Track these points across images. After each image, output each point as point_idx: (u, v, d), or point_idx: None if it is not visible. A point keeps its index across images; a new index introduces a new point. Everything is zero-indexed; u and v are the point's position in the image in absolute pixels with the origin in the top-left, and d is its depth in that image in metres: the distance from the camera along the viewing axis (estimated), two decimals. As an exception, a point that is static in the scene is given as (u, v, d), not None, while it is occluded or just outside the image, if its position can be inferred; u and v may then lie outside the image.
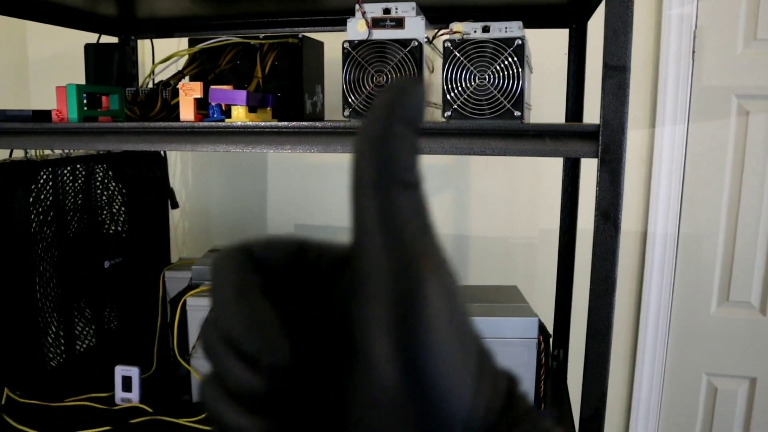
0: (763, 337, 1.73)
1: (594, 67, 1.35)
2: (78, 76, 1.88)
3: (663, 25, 1.62)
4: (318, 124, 0.93)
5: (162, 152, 1.69)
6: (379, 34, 0.94)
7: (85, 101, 1.14)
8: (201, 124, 1.00)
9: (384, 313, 0.23)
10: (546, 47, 1.46)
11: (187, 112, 1.04)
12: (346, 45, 0.93)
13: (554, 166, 1.71)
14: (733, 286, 1.73)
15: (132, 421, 1.26)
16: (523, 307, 1.02)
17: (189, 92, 1.03)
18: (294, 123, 0.94)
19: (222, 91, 1.01)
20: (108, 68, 1.57)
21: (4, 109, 1.23)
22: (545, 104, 1.52)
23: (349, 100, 0.94)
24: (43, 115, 1.22)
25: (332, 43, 1.51)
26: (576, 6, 1.28)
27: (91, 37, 1.60)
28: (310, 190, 1.93)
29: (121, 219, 1.56)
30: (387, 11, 0.94)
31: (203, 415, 1.27)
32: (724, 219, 1.71)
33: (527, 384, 0.99)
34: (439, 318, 0.23)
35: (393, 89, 0.25)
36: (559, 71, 1.45)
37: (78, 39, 1.61)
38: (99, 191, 1.48)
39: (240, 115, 1.02)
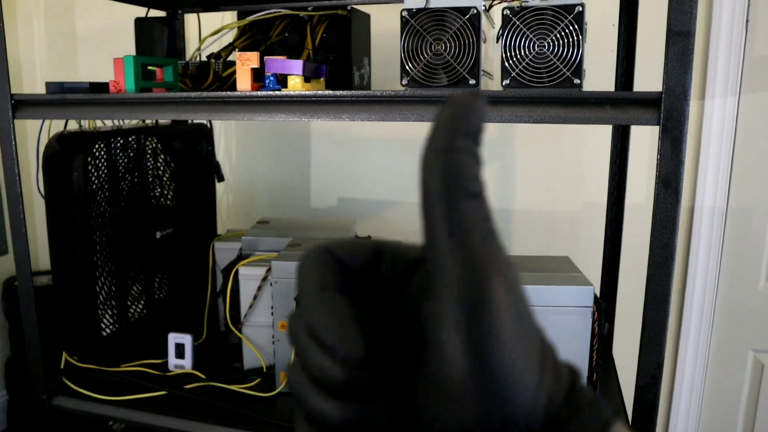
0: (812, 313, 1.71)
1: (644, 37, 1.34)
2: (124, 49, 1.91)
3: (715, -6, 1.58)
4: (377, 92, 0.94)
5: (208, 126, 1.71)
6: (437, 2, 0.94)
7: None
8: (258, 93, 1.01)
9: (454, 310, 0.24)
10: (590, 16, 1.44)
11: (244, 82, 1.05)
12: (404, 13, 0.93)
13: (600, 139, 1.70)
14: (783, 261, 1.70)
15: (186, 387, 1.29)
16: (578, 276, 1.03)
17: (246, 62, 1.04)
18: (352, 92, 0.95)
19: (279, 61, 1.02)
20: (157, 41, 1.60)
21: (61, 81, 1.27)
22: (590, 76, 1.50)
23: (407, 68, 0.94)
24: (100, 87, 1.25)
25: (377, 16, 1.51)
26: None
27: (139, 11, 1.62)
28: (352, 164, 1.94)
29: (171, 191, 1.59)
30: (445, -22, 0.93)
31: (255, 382, 1.30)
32: (775, 193, 1.68)
33: (581, 353, 0.99)
34: (504, 314, 0.24)
35: (455, 103, 0.27)
36: (605, 41, 1.43)
37: (123, 13, 1.63)
38: (149, 164, 1.51)
39: (296, 85, 1.03)
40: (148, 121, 1.60)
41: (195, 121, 1.73)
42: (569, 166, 1.80)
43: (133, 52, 2.07)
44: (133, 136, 1.47)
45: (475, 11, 0.92)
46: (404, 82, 0.95)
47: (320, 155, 1.97)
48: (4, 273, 2.36)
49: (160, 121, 1.65)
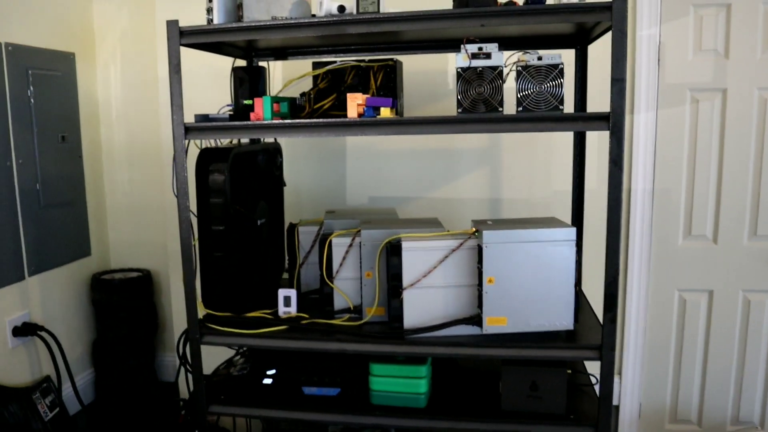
0: (716, 259, 2.42)
1: (592, 74, 2.02)
2: (198, 88, 2.50)
3: (637, 42, 2.30)
4: (442, 117, 1.57)
5: (278, 144, 2.30)
6: (476, 63, 1.58)
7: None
8: (365, 119, 1.63)
9: None
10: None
11: (352, 112, 1.67)
12: (459, 69, 1.58)
13: (562, 146, 2.38)
14: (693, 224, 2.42)
15: (302, 322, 1.87)
16: (565, 224, 1.68)
17: (354, 99, 1.66)
18: (427, 116, 1.58)
19: (376, 98, 1.65)
20: (245, 83, 2.18)
21: (206, 113, 1.85)
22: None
23: (461, 102, 1.59)
24: (238, 117, 1.84)
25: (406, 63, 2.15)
26: (580, 35, 1.94)
27: (217, 59, 2.18)
28: (380, 170, 2.57)
29: (261, 192, 2.17)
30: (480, 48, 1.58)
31: (346, 317, 1.89)
32: (685, 177, 2.40)
33: (569, 269, 1.63)
34: None
35: None
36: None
37: (196, 59, 2.19)
38: (251, 171, 2.09)
39: (386, 112, 1.66)
40: (233, 141, 2.17)
41: (266, 140, 2.33)
42: (541, 166, 2.48)
43: (203, 91, 2.65)
44: (240, 152, 2.04)
45: (501, 68, 1.57)
46: (459, 110, 1.59)
47: (353, 164, 2.59)
48: (90, 271, 2.87)
49: (242, 141, 2.23)
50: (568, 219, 2.18)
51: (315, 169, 2.64)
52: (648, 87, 2.33)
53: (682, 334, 2.50)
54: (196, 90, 2.66)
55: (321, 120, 1.65)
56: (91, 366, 2.88)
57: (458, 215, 2.51)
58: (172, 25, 1.70)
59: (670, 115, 2.36)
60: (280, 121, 1.72)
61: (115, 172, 2.98)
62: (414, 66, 2.41)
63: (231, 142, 2.15)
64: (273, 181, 2.26)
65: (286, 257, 2.24)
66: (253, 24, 1.66)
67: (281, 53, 2.27)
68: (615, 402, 2.57)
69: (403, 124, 1.62)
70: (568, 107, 2.11)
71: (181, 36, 1.71)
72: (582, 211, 2.13)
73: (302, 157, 2.64)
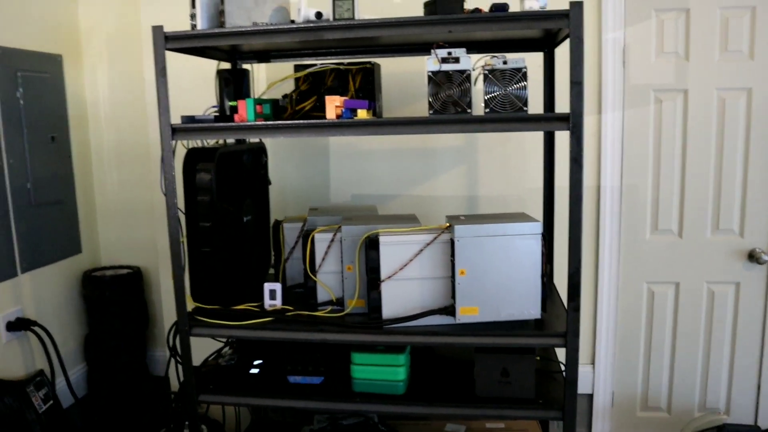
0: (681, 253, 2.54)
1: (559, 76, 2.13)
2: (183, 90, 2.59)
3: (602, 45, 2.42)
4: (414, 117, 1.68)
5: (264, 144, 2.40)
6: (446, 67, 1.68)
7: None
8: (343, 120, 1.73)
9: None
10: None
11: (330, 113, 1.76)
12: (429, 73, 1.68)
13: (535, 145, 2.49)
14: (660, 219, 2.54)
15: (286, 314, 1.97)
16: (531, 218, 1.79)
17: (332, 101, 1.76)
18: (402, 117, 1.68)
19: (353, 101, 1.75)
20: (230, 85, 2.27)
21: (192, 115, 1.94)
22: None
23: (432, 105, 1.69)
24: (220, 119, 1.93)
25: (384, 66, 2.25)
26: (547, 39, 2.05)
27: (203, 62, 2.27)
28: (362, 169, 2.66)
29: (247, 189, 2.26)
30: (449, 53, 1.69)
31: (329, 309, 1.99)
32: (651, 173, 2.52)
33: (535, 263, 1.74)
34: None
35: None
36: (535, 77, 2.22)
37: (183, 62, 2.28)
38: (236, 170, 2.18)
39: (362, 114, 1.76)
40: (220, 141, 2.26)
41: (252, 140, 2.42)
42: (515, 164, 2.59)
43: (187, 94, 2.73)
44: (225, 151, 2.13)
45: (469, 71, 1.67)
46: (431, 112, 1.69)
47: (336, 163, 2.69)
48: (81, 268, 2.94)
49: (227, 141, 2.32)
50: (540, 215, 2.29)
51: (300, 168, 2.73)
52: (614, 88, 2.44)
53: (651, 324, 2.62)
54: (182, 92, 2.75)
55: (301, 122, 1.75)
56: (84, 361, 2.96)
57: (436, 212, 2.61)
58: (157, 30, 1.79)
59: (636, 114, 2.48)
60: (263, 122, 1.81)
61: (105, 172, 3.06)
62: (393, 68, 2.51)
63: (217, 142, 2.24)
64: (258, 180, 2.35)
65: (273, 253, 2.33)
66: (235, 30, 1.75)
67: (264, 56, 2.36)
68: (588, 391, 2.69)
69: (377, 125, 1.72)
70: (538, 108, 2.23)
71: (166, 41, 1.80)
72: (552, 207, 2.25)
73: (288, 157, 2.73)
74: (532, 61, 2.22)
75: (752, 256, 2.49)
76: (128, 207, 3.05)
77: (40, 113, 2.71)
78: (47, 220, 2.75)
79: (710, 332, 2.58)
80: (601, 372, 2.66)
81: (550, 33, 1.90)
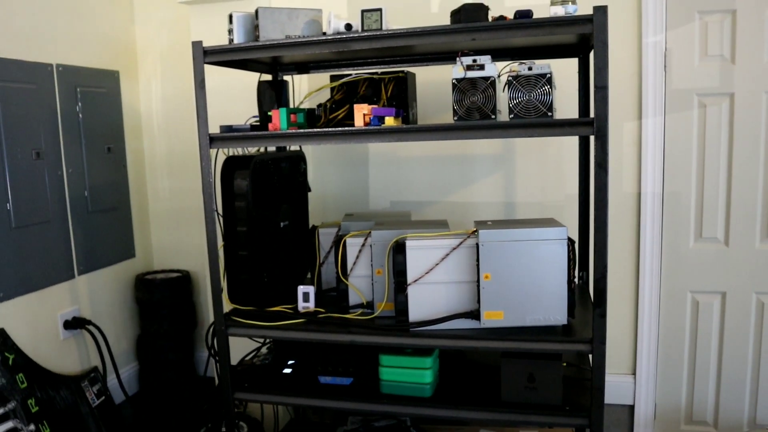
0: (728, 262, 2.46)
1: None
2: (231, 101, 2.70)
3: (643, 49, 2.38)
4: (441, 124, 1.70)
5: (302, 152, 2.47)
6: (471, 74, 1.71)
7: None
8: (370, 127, 1.77)
9: None
10: (565, 71, 2.22)
11: (359, 121, 1.81)
12: (454, 80, 1.71)
13: (570, 152, 2.47)
14: (704, 227, 2.46)
15: (318, 316, 2.02)
16: (558, 223, 1.78)
17: (360, 109, 1.81)
18: (427, 124, 1.71)
19: (380, 108, 1.79)
20: (269, 95, 2.36)
21: (230, 125, 2.03)
22: (565, 107, 2.28)
23: (457, 111, 1.71)
24: (256, 128, 2.01)
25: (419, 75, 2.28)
26: (582, 45, 2.04)
27: (242, 75, 2.37)
28: (401, 176, 2.71)
29: (285, 196, 2.34)
30: (474, 60, 1.71)
31: (359, 312, 2.03)
32: (695, 180, 2.45)
33: (562, 269, 1.73)
34: None
35: None
36: (573, 82, 2.20)
37: (227, 77, 2.39)
38: (274, 177, 2.26)
39: (390, 121, 1.80)
40: (260, 150, 2.35)
41: (292, 148, 2.50)
42: (553, 171, 2.57)
43: (231, 104, 2.85)
44: (261, 159, 2.22)
45: (493, 78, 1.69)
46: (455, 118, 1.72)
47: (375, 171, 2.74)
48: (134, 271, 3.10)
49: (269, 149, 2.40)
50: (576, 221, 2.26)
51: (340, 176, 2.80)
52: (655, 92, 2.39)
53: (696, 335, 2.54)
54: (229, 103, 2.87)
55: (329, 129, 1.81)
56: (135, 359, 3.11)
57: (472, 218, 2.62)
58: (196, 45, 1.89)
59: (678, 119, 2.42)
60: (294, 130, 1.88)
61: (157, 180, 3.21)
62: (432, 77, 2.54)
63: (258, 150, 2.33)
64: (297, 187, 2.42)
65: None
66: (268, 43, 1.83)
67: (303, 67, 2.44)
68: (629, 402, 2.63)
69: (403, 132, 1.76)
70: (573, 113, 2.21)
71: (205, 55, 1.89)
72: (588, 213, 2.22)
73: (328, 164, 2.80)
74: (568, 67, 2.21)
75: (805, 266, 2.38)
76: (179, 213, 3.19)
77: (97, 125, 2.88)
78: (103, 226, 2.91)
79: (760, 344, 2.47)
80: (642, 382, 2.59)
81: (584, 38, 1.90)
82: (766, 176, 2.38)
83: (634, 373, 2.61)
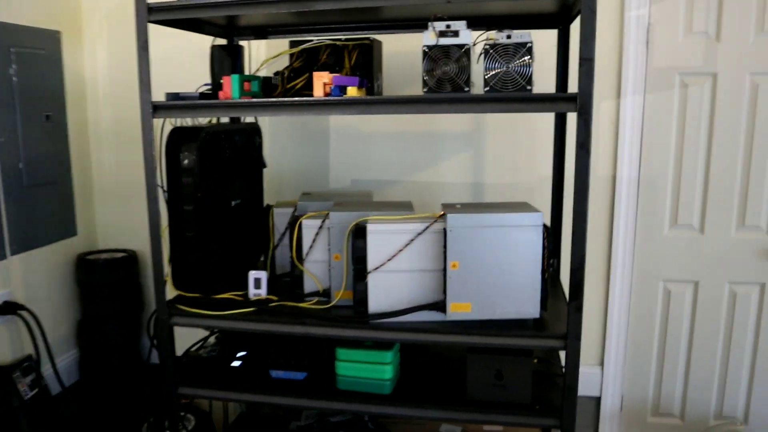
0: (702, 250, 2.36)
1: (574, 55, 1.97)
2: (179, 66, 2.49)
3: (624, 22, 2.24)
4: (407, 96, 1.53)
5: (257, 124, 2.28)
6: (444, 41, 1.54)
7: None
8: (331, 98, 1.59)
9: None
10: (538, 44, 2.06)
11: (318, 91, 1.63)
12: (425, 48, 1.53)
13: (544, 131, 2.33)
14: (680, 213, 2.36)
15: (270, 305, 1.85)
16: (533, 208, 1.64)
17: (320, 78, 1.62)
18: (395, 96, 1.54)
19: (342, 77, 1.61)
20: (224, 62, 2.15)
21: (177, 92, 1.83)
22: (541, 80, 2.13)
23: (427, 82, 1.54)
24: (205, 96, 1.81)
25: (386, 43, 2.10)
26: (562, 15, 1.89)
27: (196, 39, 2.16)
28: (363, 153, 2.53)
29: (237, 172, 2.15)
30: (448, 26, 1.54)
31: (315, 300, 1.87)
32: (672, 164, 2.34)
33: (536, 257, 1.59)
34: None
35: None
36: (550, 56, 2.05)
37: (179, 40, 2.18)
38: (226, 151, 2.07)
39: (352, 92, 1.62)
40: (213, 120, 2.15)
41: (247, 119, 2.30)
42: (525, 151, 2.43)
43: (184, 71, 2.63)
44: (212, 131, 2.02)
45: (468, 46, 1.52)
46: (425, 90, 1.55)
47: (336, 146, 2.56)
48: (76, 250, 2.87)
49: (221, 120, 2.20)
50: (548, 205, 2.13)
51: (298, 151, 2.61)
52: (636, 70, 2.26)
53: (667, 325, 2.45)
54: (181, 69, 2.64)
55: (285, 99, 1.62)
56: (76, 346, 2.89)
57: (439, 199, 2.47)
58: (139, 1, 1.67)
59: (658, 99, 2.30)
60: (246, 100, 1.69)
61: (102, 152, 2.97)
62: (397, 47, 2.37)
63: (210, 122, 2.13)
64: (251, 162, 2.23)
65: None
66: (221, 1, 1.63)
67: (261, 32, 2.24)
68: (596, 393, 2.54)
69: (367, 103, 1.58)
70: (550, 88, 2.07)
71: (150, 12, 1.68)
72: (562, 197, 2.09)
73: (286, 138, 2.61)
74: (546, 39, 2.06)
75: (780, 256, 2.30)
76: (127, 188, 2.96)
77: (34, 91, 2.62)
78: (40, 202, 2.67)
79: (730, 336, 2.40)
80: (610, 374, 2.50)
81: (565, 6, 1.74)
82: (744, 162, 2.28)
83: (601, 365, 2.51)
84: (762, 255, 2.32)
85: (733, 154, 2.28)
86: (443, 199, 2.48)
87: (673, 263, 2.40)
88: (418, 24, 2.02)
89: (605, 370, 2.50)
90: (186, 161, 1.85)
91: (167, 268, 1.96)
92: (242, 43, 2.27)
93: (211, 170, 1.93)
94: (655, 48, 2.26)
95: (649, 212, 2.38)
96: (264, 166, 2.35)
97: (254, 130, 2.24)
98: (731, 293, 2.37)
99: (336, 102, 1.60)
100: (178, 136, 1.87)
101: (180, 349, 2.02)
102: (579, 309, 1.55)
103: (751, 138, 2.25)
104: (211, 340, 2.15)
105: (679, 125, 2.31)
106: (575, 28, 1.94)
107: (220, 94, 1.75)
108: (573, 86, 2.02)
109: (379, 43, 2.02)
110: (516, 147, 2.43)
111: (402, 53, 2.40)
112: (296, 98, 1.62)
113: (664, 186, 2.35)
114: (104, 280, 2.76)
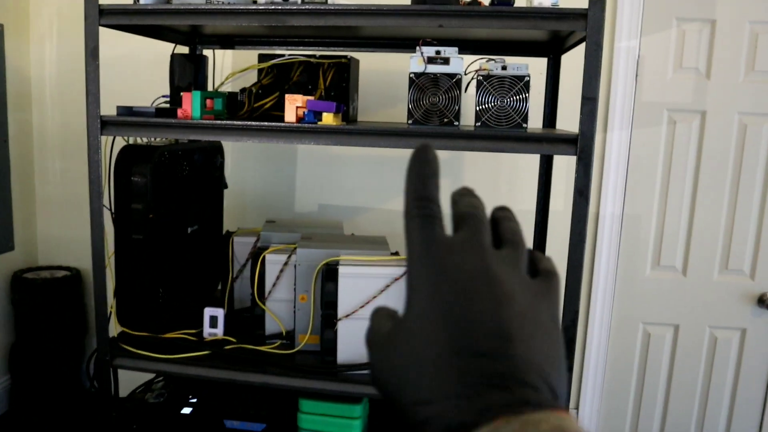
0: (684, 293, 2.27)
1: (563, 86, 1.85)
2: (136, 74, 2.29)
3: (614, 55, 2.13)
4: (389, 127, 1.38)
5: (220, 143, 2.09)
6: (433, 69, 1.39)
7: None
8: (304, 125, 1.42)
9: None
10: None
11: (290, 115, 1.46)
12: (412, 75, 1.38)
13: (528, 161, 2.21)
14: (663, 254, 2.26)
15: (225, 348, 1.67)
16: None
17: (293, 101, 1.45)
18: (374, 126, 1.38)
19: (318, 102, 1.45)
20: (186, 73, 1.96)
21: (130, 105, 1.63)
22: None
23: (412, 113, 1.39)
24: (163, 112, 1.62)
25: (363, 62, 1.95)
26: (554, 44, 1.76)
27: (153, 44, 1.96)
28: (332, 177, 2.36)
29: (195, 196, 1.96)
30: (438, 53, 1.39)
31: (277, 344, 1.69)
32: (657, 203, 2.24)
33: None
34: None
35: (417, 159, 0.40)
36: (534, 85, 1.93)
37: (133, 44, 1.99)
38: (183, 172, 1.88)
39: (329, 119, 1.46)
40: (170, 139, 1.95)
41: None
42: (505, 181, 2.30)
43: (143, 79, 2.42)
44: (168, 150, 1.83)
45: (460, 76, 1.38)
46: (409, 121, 1.40)
47: (304, 168, 2.38)
48: (11, 267, 2.61)
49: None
50: (530, 241, 2.00)
51: (263, 171, 2.42)
52: (624, 104, 2.16)
53: (645, 368, 2.35)
54: (141, 78, 2.43)
55: (253, 123, 1.45)
56: (7, 372, 2.63)
57: (414, 231, 2.31)
58: (90, 2, 1.48)
59: (645, 135, 2.20)
60: (208, 120, 1.50)
61: (47, 160, 2.72)
62: (375, 65, 2.21)
63: (166, 138, 1.93)
64: (211, 183, 2.04)
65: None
66: (183, 7, 1.45)
67: (227, 41, 2.05)
68: (570, 437, 2.41)
69: (345, 133, 1.42)
70: (536, 122, 1.94)
71: (101, 15, 1.49)
72: (545, 235, 1.96)
73: (249, 157, 2.42)
74: (533, 67, 1.93)
75: (762, 301, 2.23)
76: (73, 201, 2.71)
77: (-30, 89, 2.37)
78: (-28, 212, 2.42)
79: (709, 382, 2.31)
80: (585, 418, 2.39)
81: (558, 36, 1.61)
82: (730, 204, 2.20)
83: (577, 407, 2.39)
84: (744, 299, 2.24)
85: (719, 195, 2.19)
86: (417, 229, 2.32)
87: (654, 305, 2.30)
88: (400, 44, 1.87)
89: (581, 412, 2.38)
90: (137, 185, 1.65)
91: (111, 302, 1.75)
92: (206, 52, 2.08)
93: (166, 194, 1.74)
94: (644, 82, 2.16)
95: (631, 252, 2.28)
96: (225, 187, 2.16)
97: (216, 149, 2.05)
98: (711, 338, 2.29)
99: (310, 130, 1.43)
100: (129, 155, 1.67)
101: (125, 385, 1.82)
102: (570, 369, 1.41)
103: (737, 180, 2.17)
104: (158, 382, 1.94)
105: (666, 163, 2.21)
106: (567, 58, 1.83)
107: (179, 112, 1.56)
108: (562, 120, 1.91)
109: (357, 61, 1.86)
110: (497, 178, 2.30)
111: (380, 72, 2.25)
112: (265, 123, 1.45)
113: (648, 225, 2.25)
114: (43, 300, 2.52)
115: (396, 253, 1.64)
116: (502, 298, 0.35)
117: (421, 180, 0.40)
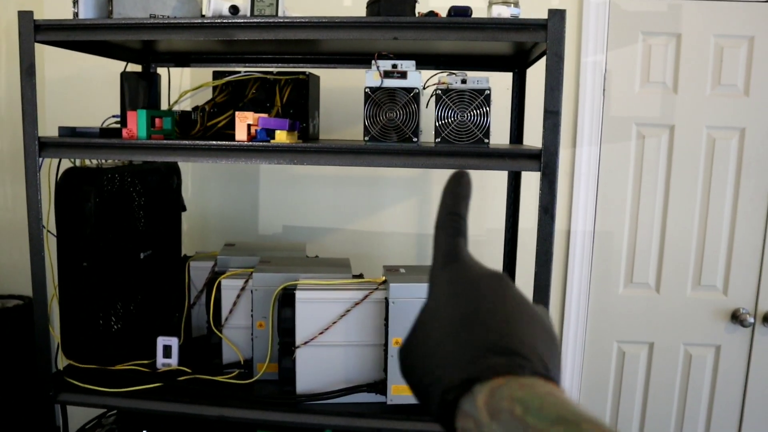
0: (657, 310, 2.22)
1: (530, 102, 1.80)
2: (87, 95, 2.20)
3: (581, 69, 2.10)
4: (345, 145, 1.31)
5: (176, 163, 2.00)
6: (389, 83, 1.33)
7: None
8: (256, 143, 1.35)
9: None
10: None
11: (241, 134, 1.39)
12: (367, 89, 1.32)
13: (497, 179, 2.15)
14: (636, 271, 2.22)
15: (179, 379, 1.57)
16: (488, 276, 1.43)
17: (243, 119, 1.38)
18: (330, 144, 1.31)
19: (270, 119, 1.37)
20: (138, 92, 1.88)
21: (73, 126, 1.54)
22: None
23: (369, 129, 1.33)
24: (108, 133, 1.54)
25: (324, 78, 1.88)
26: (519, 58, 1.72)
27: (107, 63, 1.89)
28: (297, 197, 2.29)
29: (149, 219, 1.87)
30: (395, 66, 1.33)
31: (235, 373, 1.60)
32: (628, 219, 2.20)
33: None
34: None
35: (453, 183, 0.48)
36: (500, 101, 1.88)
37: (87, 63, 1.91)
38: (134, 195, 1.79)
39: (282, 137, 1.39)
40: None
41: (164, 159, 2.02)
42: (474, 200, 2.24)
43: (95, 99, 2.33)
44: (117, 172, 1.74)
45: (417, 91, 1.32)
46: (366, 138, 1.33)
47: (268, 188, 2.30)
48: (-40, 297, 2.48)
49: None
50: (500, 259, 1.94)
51: (224, 192, 2.34)
52: (592, 119, 2.12)
53: (620, 387, 2.29)
54: (93, 97, 2.34)
55: (200, 142, 1.37)
56: (-47, 409, 2.48)
57: (379, 253, 2.24)
58: (24, 17, 1.39)
59: (614, 151, 2.16)
60: (154, 140, 1.42)
61: (-2, 184, 2.61)
62: (339, 82, 2.15)
63: (118, 160, 1.84)
64: (166, 206, 1.95)
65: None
66: (123, 23, 1.37)
67: (182, 59, 1.98)
68: (546, 461, 2.34)
69: (299, 152, 1.35)
70: (504, 138, 1.89)
71: (37, 31, 1.41)
72: (515, 253, 1.90)
73: (210, 178, 2.33)
74: (500, 83, 1.89)
75: (736, 317, 2.19)
76: (24, 226, 2.59)
77: None
78: None
79: (685, 399, 2.26)
80: (562, 442, 2.31)
81: (522, 49, 1.57)
82: (701, 219, 2.16)
83: (552, 431, 2.32)
84: (718, 316, 2.20)
85: (689, 210, 2.16)
86: (384, 251, 2.25)
87: (628, 323, 2.25)
88: (360, 59, 1.82)
89: None
90: (82, 210, 1.56)
91: (56, 333, 1.65)
92: (161, 70, 2.00)
93: (115, 218, 1.65)
94: (612, 96, 2.13)
95: (603, 269, 2.23)
96: (183, 209, 2.07)
97: (172, 170, 1.97)
98: (686, 355, 2.24)
99: (261, 149, 1.36)
100: (73, 178, 1.58)
101: (79, 420, 1.71)
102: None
103: (707, 194, 2.14)
104: (110, 417, 1.83)
105: (636, 178, 2.17)
106: (532, 72, 1.79)
107: (124, 132, 1.48)
108: (529, 136, 1.86)
109: (316, 78, 1.80)
110: (464, 195, 2.24)
111: (344, 89, 2.19)
112: (214, 142, 1.37)
113: (620, 241, 2.21)
114: (-7, 331, 2.39)
115: (360, 276, 1.57)
116: (505, 295, 0.44)
117: (455, 198, 0.48)
